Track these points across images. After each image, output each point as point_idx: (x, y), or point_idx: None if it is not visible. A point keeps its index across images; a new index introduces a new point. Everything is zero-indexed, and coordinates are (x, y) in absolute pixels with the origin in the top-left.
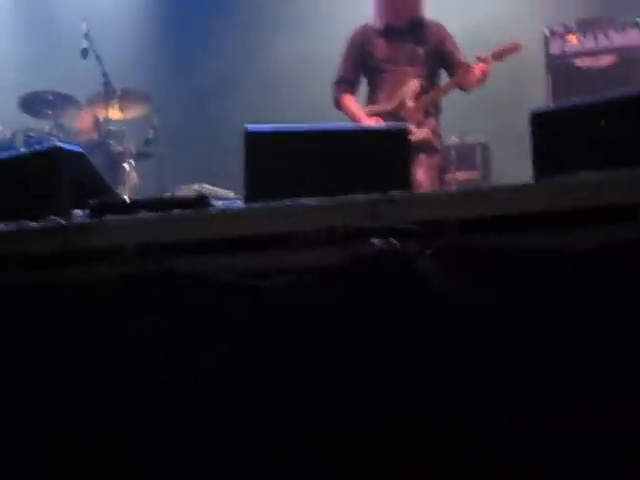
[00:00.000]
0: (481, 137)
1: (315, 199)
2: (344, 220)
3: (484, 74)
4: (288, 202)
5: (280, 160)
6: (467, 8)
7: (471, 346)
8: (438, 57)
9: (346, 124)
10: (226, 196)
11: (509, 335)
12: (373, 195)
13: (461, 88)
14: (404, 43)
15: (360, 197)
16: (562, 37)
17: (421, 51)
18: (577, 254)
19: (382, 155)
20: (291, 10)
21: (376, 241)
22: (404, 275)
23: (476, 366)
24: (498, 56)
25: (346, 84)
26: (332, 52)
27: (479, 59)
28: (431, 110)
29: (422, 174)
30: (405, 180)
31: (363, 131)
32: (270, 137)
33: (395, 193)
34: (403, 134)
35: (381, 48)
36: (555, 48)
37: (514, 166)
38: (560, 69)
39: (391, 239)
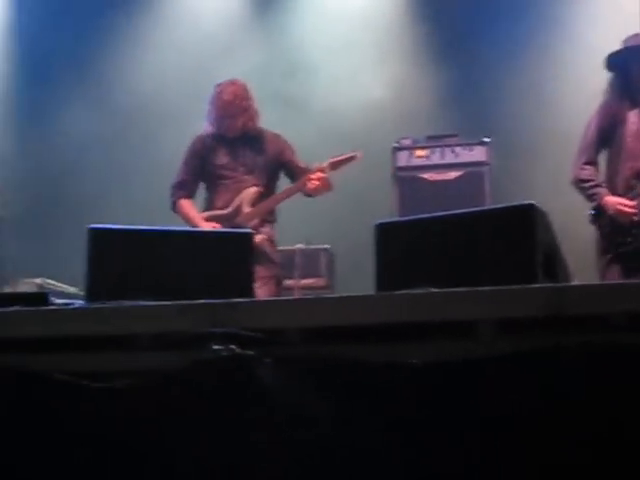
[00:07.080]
0: (326, 244)
1: (156, 302)
2: (185, 324)
3: (323, 182)
4: (129, 304)
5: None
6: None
7: (306, 457)
8: (278, 166)
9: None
10: (67, 291)
11: (346, 447)
12: (214, 300)
13: (305, 194)
14: (243, 152)
15: (201, 302)
16: (410, 150)
17: (260, 160)
18: (415, 367)
19: (224, 260)
20: None
21: (216, 347)
22: (243, 382)
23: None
24: (334, 166)
25: (184, 188)
26: None
27: (317, 168)
28: (267, 217)
29: (258, 288)
30: (247, 286)
31: (201, 234)
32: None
33: (237, 299)
34: (246, 239)
35: (221, 155)
36: (402, 160)
37: (358, 274)
38: (407, 181)
39: (231, 345)
